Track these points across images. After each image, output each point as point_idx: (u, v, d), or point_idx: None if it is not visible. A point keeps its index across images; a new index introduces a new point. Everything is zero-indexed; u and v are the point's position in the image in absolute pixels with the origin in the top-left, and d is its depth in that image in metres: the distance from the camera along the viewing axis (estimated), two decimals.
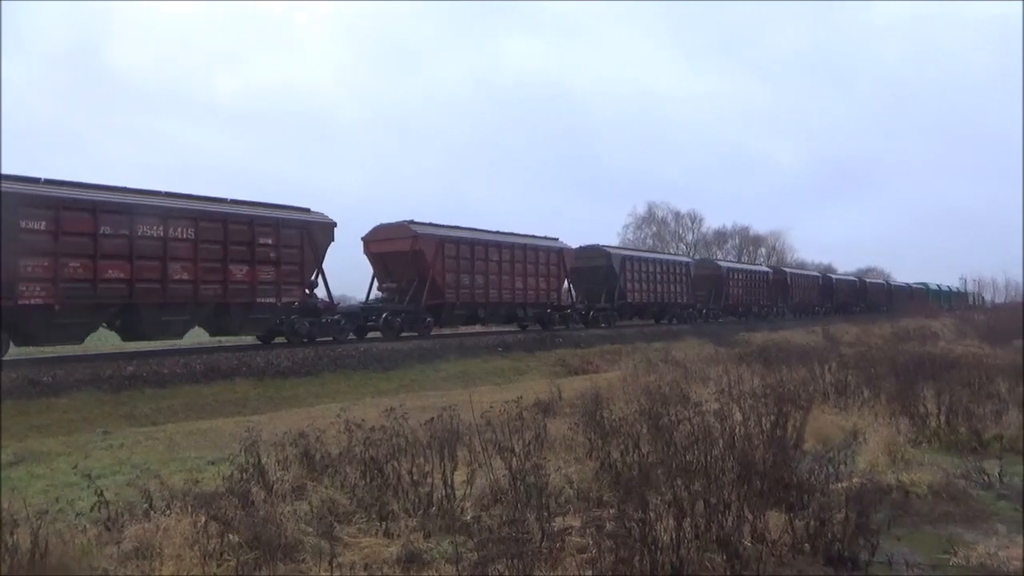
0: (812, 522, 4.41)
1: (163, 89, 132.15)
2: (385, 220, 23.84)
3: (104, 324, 16.24)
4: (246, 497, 5.11)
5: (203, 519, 4.44)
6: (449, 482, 5.28)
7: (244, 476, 5.58)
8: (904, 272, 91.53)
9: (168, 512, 4.76)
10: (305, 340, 19.34)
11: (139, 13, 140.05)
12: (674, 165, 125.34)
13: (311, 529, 4.66)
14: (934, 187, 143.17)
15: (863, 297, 59.17)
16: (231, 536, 4.29)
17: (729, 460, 5.15)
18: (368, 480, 5.46)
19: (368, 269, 23.98)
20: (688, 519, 4.19)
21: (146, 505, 5.07)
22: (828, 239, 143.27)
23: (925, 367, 11.45)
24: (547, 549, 4.11)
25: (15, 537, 4.04)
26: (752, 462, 5.02)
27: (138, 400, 13.31)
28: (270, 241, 18.18)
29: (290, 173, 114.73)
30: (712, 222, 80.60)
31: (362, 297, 24.62)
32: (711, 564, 4.03)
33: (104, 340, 19.79)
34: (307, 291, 19.51)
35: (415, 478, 5.28)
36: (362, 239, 23.91)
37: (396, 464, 5.55)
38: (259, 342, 19.75)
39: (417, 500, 5.10)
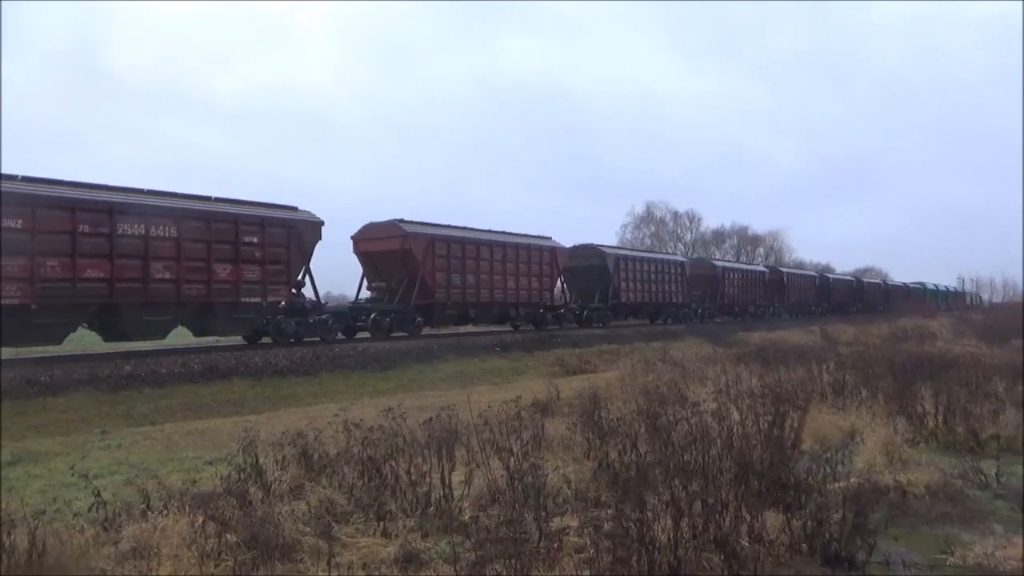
0: (809, 522, 4.41)
1: (163, 89, 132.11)
2: (386, 220, 23.70)
3: (85, 324, 16.04)
4: (244, 497, 5.10)
5: (201, 519, 4.44)
6: (447, 482, 5.28)
7: (242, 476, 5.57)
8: (903, 272, 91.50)
9: (166, 512, 4.76)
10: (292, 340, 19.09)
11: (139, 13, 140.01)
12: (673, 165, 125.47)
13: (309, 529, 4.66)
14: (933, 187, 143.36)
15: (860, 297, 59.22)
16: (229, 536, 4.29)
17: (727, 460, 5.16)
18: (366, 480, 5.46)
19: (359, 268, 23.87)
20: (686, 519, 4.19)
21: (144, 505, 5.06)
22: (827, 239, 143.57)
23: (923, 367, 11.47)
24: (545, 549, 4.11)
25: (12, 537, 4.04)
26: (750, 462, 5.03)
27: (136, 400, 13.30)
28: (255, 240, 17.94)
29: (290, 173, 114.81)
30: (711, 222, 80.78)
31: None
32: (709, 564, 4.04)
33: (86, 341, 19.30)
34: (294, 291, 19.31)
35: (413, 478, 5.28)
36: (351, 238, 23.74)
37: (394, 464, 5.55)
38: (245, 342, 19.54)
39: (415, 500, 5.10)
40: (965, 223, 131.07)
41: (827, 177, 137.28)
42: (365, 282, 23.67)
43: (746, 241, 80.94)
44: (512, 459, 5.42)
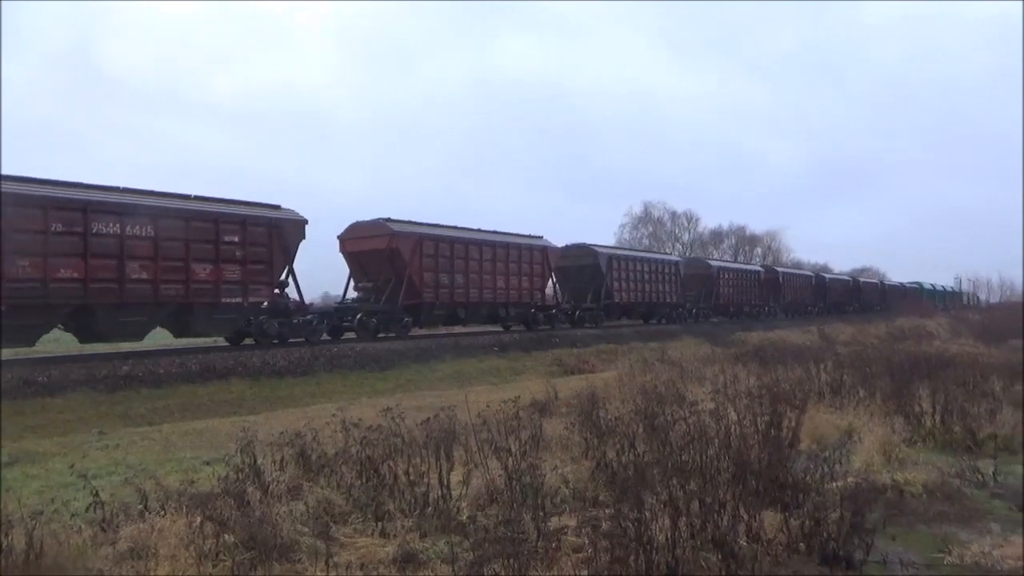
0: (807, 521, 4.42)
1: (162, 89, 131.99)
2: (372, 219, 23.22)
3: (60, 326, 15.63)
4: (242, 497, 5.10)
5: (199, 519, 4.44)
6: (445, 482, 5.28)
7: (240, 476, 5.58)
8: (902, 272, 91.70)
9: (163, 512, 4.76)
10: (276, 341, 18.74)
11: (138, 13, 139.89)
12: (671, 165, 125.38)
13: (307, 529, 4.66)
14: (932, 187, 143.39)
15: (857, 297, 59.24)
16: (227, 536, 4.29)
17: (725, 460, 5.17)
18: (364, 480, 5.46)
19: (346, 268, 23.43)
20: (684, 519, 4.20)
21: (141, 506, 5.06)
22: (825, 239, 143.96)
23: (920, 367, 11.49)
24: (543, 549, 4.11)
25: (10, 538, 4.04)
26: (748, 462, 5.04)
27: (134, 400, 13.28)
28: (236, 239, 17.51)
29: (290, 173, 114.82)
30: (709, 222, 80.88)
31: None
32: (707, 563, 4.04)
33: (63, 342, 18.99)
34: (276, 291, 18.93)
35: (411, 478, 5.28)
36: (338, 237, 23.25)
37: (392, 464, 5.55)
38: (227, 343, 19.11)
39: (413, 500, 5.10)
40: (964, 223, 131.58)
41: (825, 177, 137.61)
42: (352, 282, 23.30)
43: (744, 241, 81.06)
44: (510, 459, 5.43)
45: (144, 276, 15.79)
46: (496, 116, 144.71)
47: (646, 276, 33.62)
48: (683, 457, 5.24)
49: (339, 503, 5.23)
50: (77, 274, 14.71)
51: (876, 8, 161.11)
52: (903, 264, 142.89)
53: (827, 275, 59.40)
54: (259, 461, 5.89)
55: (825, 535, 4.34)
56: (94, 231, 14.93)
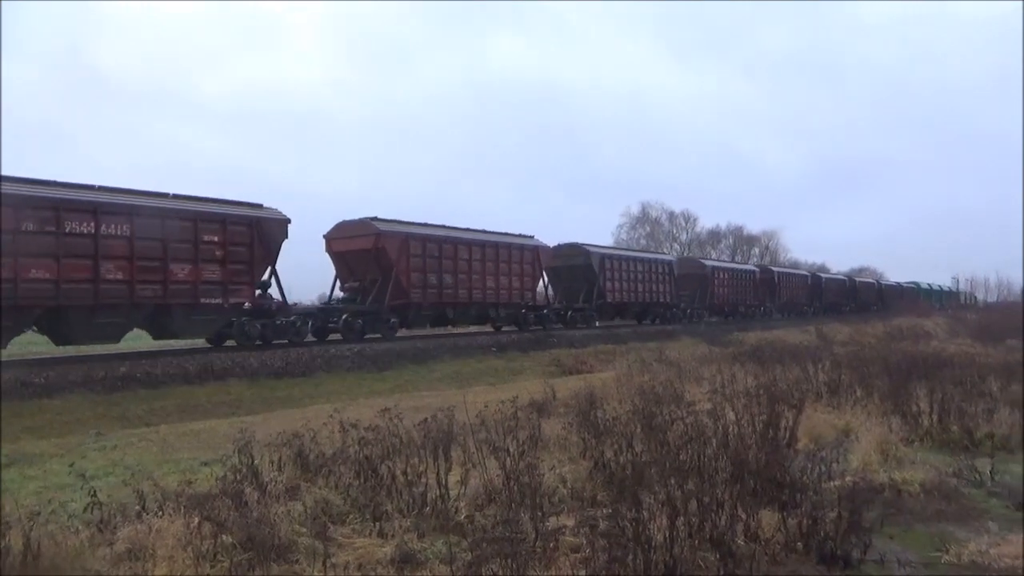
0: (805, 521, 4.43)
1: (157, 89, 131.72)
2: (358, 218, 22.91)
3: (34, 328, 15.32)
4: (240, 498, 5.10)
5: (196, 520, 4.44)
6: (443, 482, 5.27)
7: (238, 477, 5.57)
8: (902, 272, 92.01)
9: (161, 513, 4.75)
10: (259, 343, 18.47)
11: (132, 13, 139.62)
12: (670, 165, 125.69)
13: (305, 530, 4.66)
14: (932, 187, 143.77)
15: (853, 297, 59.26)
16: (224, 537, 4.28)
17: (722, 459, 5.18)
18: (362, 480, 5.46)
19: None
20: (681, 518, 4.20)
21: (139, 506, 5.05)
22: (823, 239, 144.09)
23: (918, 366, 11.51)
24: (541, 549, 4.11)
25: (7, 539, 4.03)
26: (745, 461, 5.04)
27: (131, 401, 13.27)
28: (216, 238, 17.20)
29: (288, 174, 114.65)
30: (706, 222, 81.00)
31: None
32: (704, 563, 4.05)
33: (36, 343, 18.66)
34: (258, 291, 18.63)
35: (409, 478, 5.28)
36: (324, 237, 23.03)
37: (390, 464, 5.55)
38: (208, 344, 18.82)
39: (411, 500, 5.10)
40: (964, 223, 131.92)
41: (824, 177, 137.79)
42: (339, 283, 23.06)
43: (741, 241, 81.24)
44: (508, 459, 5.42)
45: (120, 276, 15.46)
46: (494, 116, 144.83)
47: (639, 276, 33.33)
48: (681, 457, 5.25)
49: (337, 503, 5.23)
50: (49, 275, 14.37)
51: (874, 8, 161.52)
52: (902, 264, 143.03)
53: (823, 275, 59.40)
54: (257, 462, 5.88)
55: (823, 534, 4.34)
56: (67, 230, 14.59)
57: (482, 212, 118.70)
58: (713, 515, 4.32)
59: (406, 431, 6.27)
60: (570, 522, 4.61)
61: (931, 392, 8.90)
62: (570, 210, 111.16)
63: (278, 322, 19.23)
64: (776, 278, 47.40)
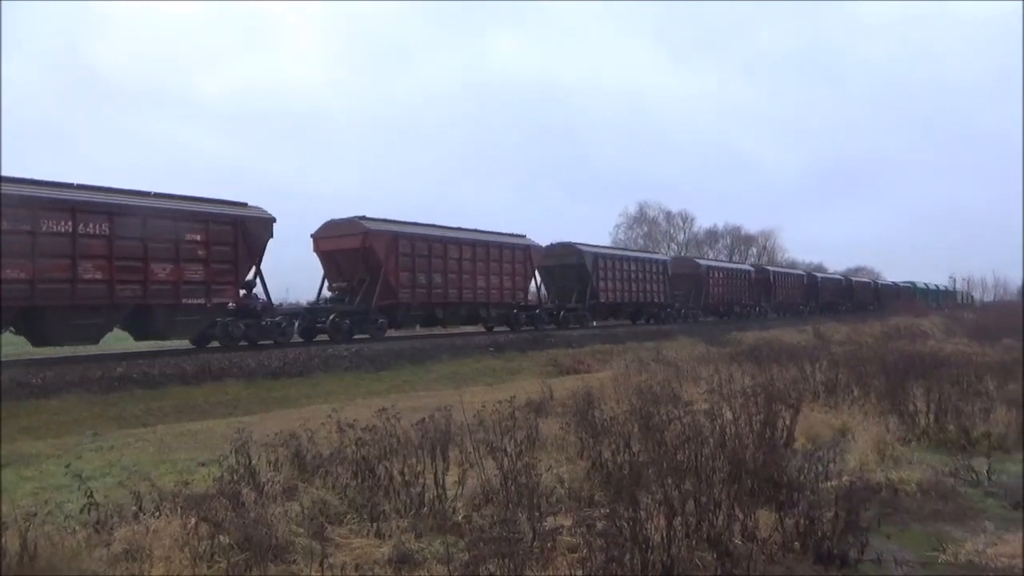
0: (802, 520, 4.43)
1: (158, 90, 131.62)
2: (346, 217, 22.80)
3: (11, 329, 15.04)
4: (237, 498, 5.09)
5: (193, 520, 4.43)
6: (441, 482, 5.27)
7: (235, 477, 5.56)
8: (901, 272, 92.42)
9: (158, 514, 4.75)
10: (244, 343, 18.27)
11: (138, 13, 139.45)
12: (670, 165, 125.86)
13: (302, 530, 4.65)
14: (931, 187, 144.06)
15: (849, 296, 59.32)
16: (221, 537, 4.28)
17: (720, 459, 5.18)
18: (359, 481, 5.45)
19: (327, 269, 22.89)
20: (679, 518, 4.20)
21: (136, 507, 5.04)
22: (822, 239, 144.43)
23: (914, 366, 11.52)
24: (538, 548, 4.12)
25: (4, 540, 4.02)
26: (742, 461, 5.04)
27: (128, 402, 13.25)
28: (198, 238, 16.99)
29: (290, 174, 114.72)
30: (704, 222, 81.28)
31: None
32: (702, 563, 4.05)
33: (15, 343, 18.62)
34: (242, 291, 18.42)
35: (407, 478, 5.28)
36: (311, 236, 22.90)
37: (388, 465, 5.54)
38: (193, 345, 18.63)
39: (408, 500, 5.10)
40: (963, 223, 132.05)
41: (822, 177, 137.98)
42: (327, 282, 22.88)
43: (739, 241, 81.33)
44: (506, 459, 5.42)
45: (98, 276, 15.25)
46: (494, 116, 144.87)
47: (633, 275, 33.20)
48: (678, 457, 5.24)
49: (334, 504, 5.22)
50: (24, 274, 14.16)
51: (874, 8, 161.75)
52: (902, 264, 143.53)
53: (819, 275, 59.45)
54: (254, 462, 5.88)
55: (820, 534, 4.35)
56: (43, 229, 14.40)
57: (482, 212, 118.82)
58: (710, 515, 4.33)
59: (403, 431, 6.27)
60: (567, 522, 4.61)
61: (928, 391, 8.91)
62: (570, 210, 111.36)
63: (263, 323, 18.99)
64: (771, 278, 47.38)
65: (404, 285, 22.33)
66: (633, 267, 33.47)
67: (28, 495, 6.74)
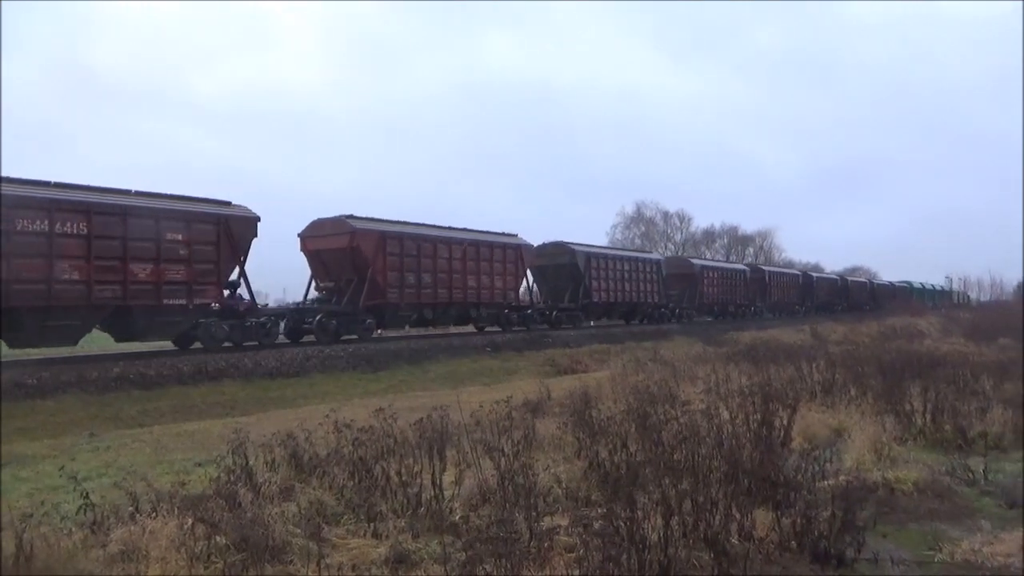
0: (799, 520, 4.43)
1: (157, 90, 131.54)
2: (334, 216, 22.49)
3: None
4: (233, 499, 5.09)
5: (190, 521, 4.42)
6: (438, 482, 5.27)
7: (231, 478, 5.55)
8: (898, 272, 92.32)
9: (154, 514, 4.73)
10: (228, 344, 18.02)
11: (137, 13, 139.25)
12: (668, 165, 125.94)
13: (299, 530, 4.64)
14: (930, 187, 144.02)
15: (845, 296, 59.32)
16: (218, 538, 4.27)
17: (716, 459, 5.17)
18: (356, 481, 5.44)
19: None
20: (676, 518, 4.20)
21: (132, 508, 5.03)
22: (821, 239, 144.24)
23: (911, 365, 11.53)
24: (535, 548, 4.11)
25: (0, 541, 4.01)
26: (739, 461, 5.04)
27: (125, 402, 13.23)
28: (179, 237, 16.68)
29: (289, 174, 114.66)
30: (701, 222, 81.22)
31: None
32: (699, 562, 4.05)
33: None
34: (226, 291, 18.19)
35: (403, 479, 5.27)
36: (298, 235, 22.60)
37: (384, 465, 5.53)
38: (175, 347, 18.41)
39: (405, 501, 5.09)
40: (963, 224, 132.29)
41: (820, 177, 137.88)
42: (314, 282, 22.62)
43: (736, 241, 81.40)
44: (503, 459, 5.41)
45: (75, 277, 14.90)
46: (492, 117, 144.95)
47: (626, 275, 32.98)
48: (675, 456, 5.24)
49: (331, 504, 5.22)
50: None
51: (872, 8, 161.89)
52: (901, 264, 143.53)
53: (815, 274, 59.41)
54: (251, 462, 5.87)
55: (816, 533, 4.35)
56: (18, 228, 14.07)
57: (480, 212, 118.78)
58: (707, 515, 4.33)
59: (401, 431, 6.26)
60: (564, 522, 4.61)
61: (924, 391, 8.92)
62: (569, 210, 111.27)
63: (247, 323, 18.69)
64: (767, 277, 47.30)
65: (392, 285, 22.07)
66: (626, 267, 33.24)
67: (24, 496, 6.72)
